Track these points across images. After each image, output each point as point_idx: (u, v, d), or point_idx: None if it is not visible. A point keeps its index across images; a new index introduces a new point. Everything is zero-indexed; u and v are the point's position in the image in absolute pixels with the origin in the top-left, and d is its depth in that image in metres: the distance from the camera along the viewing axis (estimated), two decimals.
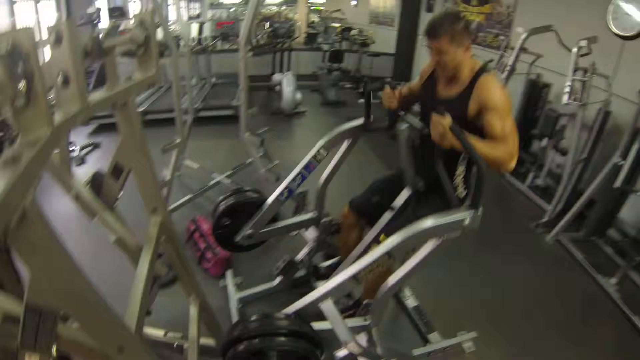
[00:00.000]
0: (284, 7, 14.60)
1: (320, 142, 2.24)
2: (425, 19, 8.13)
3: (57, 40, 0.90)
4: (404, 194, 2.06)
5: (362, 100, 7.27)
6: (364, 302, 2.00)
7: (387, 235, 1.91)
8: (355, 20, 11.37)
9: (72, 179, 1.52)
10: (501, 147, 1.64)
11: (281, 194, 2.27)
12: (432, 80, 2.01)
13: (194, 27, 6.47)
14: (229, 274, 2.79)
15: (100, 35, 1.15)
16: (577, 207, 3.65)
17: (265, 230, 2.37)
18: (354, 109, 7.25)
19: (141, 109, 5.58)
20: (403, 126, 1.90)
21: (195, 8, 13.60)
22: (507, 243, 3.70)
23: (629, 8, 3.19)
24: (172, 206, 3.33)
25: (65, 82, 0.93)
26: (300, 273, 2.74)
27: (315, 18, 14.13)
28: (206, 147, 5.12)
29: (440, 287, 2.99)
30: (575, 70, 3.56)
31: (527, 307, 2.95)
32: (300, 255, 2.66)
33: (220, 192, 3.83)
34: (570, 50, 3.58)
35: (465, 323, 2.61)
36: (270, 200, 2.29)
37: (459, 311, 2.78)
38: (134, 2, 9.90)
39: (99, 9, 6.44)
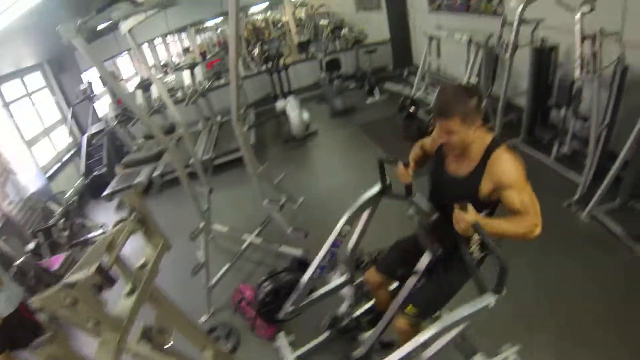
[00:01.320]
0: (269, 12, 14.48)
1: (343, 219, 2.29)
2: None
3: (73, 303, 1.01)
4: (425, 259, 2.08)
5: (370, 101, 7.41)
6: None
7: (415, 304, 2.04)
8: (341, 10, 11.18)
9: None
10: (524, 221, 1.63)
11: (314, 272, 2.40)
12: (441, 151, 1.96)
13: (186, 75, 6.54)
14: (281, 335, 2.88)
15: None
16: (612, 173, 3.45)
17: (305, 303, 2.55)
18: (364, 112, 7.22)
19: (157, 172, 5.72)
20: (411, 212, 1.94)
21: (183, 39, 13.68)
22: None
23: None
24: (213, 281, 3.46)
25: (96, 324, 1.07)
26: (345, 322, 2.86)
27: (302, 15, 13.97)
28: (228, 201, 5.13)
29: (472, 291, 2.95)
30: (583, 39, 3.39)
31: (570, 302, 2.86)
32: (342, 308, 2.78)
33: (254, 251, 4.01)
34: (569, 9, 3.41)
35: (507, 332, 2.64)
36: (304, 279, 2.43)
37: (498, 318, 2.58)
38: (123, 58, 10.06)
39: (90, 83, 6.70)
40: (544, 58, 4.61)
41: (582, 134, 4.54)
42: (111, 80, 2.69)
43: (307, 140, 6.51)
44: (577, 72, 3.53)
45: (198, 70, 6.54)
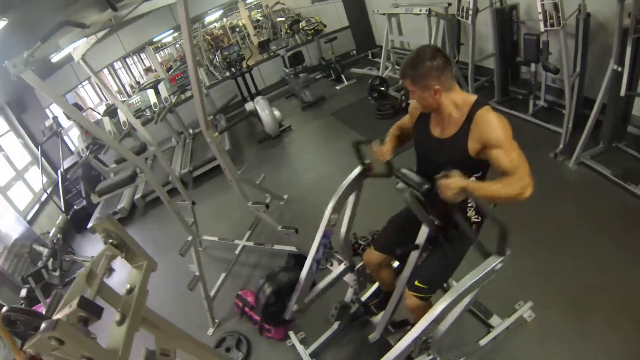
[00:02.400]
0: (225, 20, 14.30)
1: (329, 208, 2.21)
2: None
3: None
4: (423, 231, 2.02)
5: (340, 87, 7.36)
6: (424, 339, 1.99)
7: (421, 280, 1.97)
8: (296, 5, 11.11)
9: None
10: (514, 181, 1.55)
11: (310, 267, 2.32)
12: (423, 118, 1.92)
13: (150, 93, 6.39)
14: (291, 333, 2.86)
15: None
16: (592, 119, 3.49)
17: (308, 299, 2.47)
18: (334, 100, 7.15)
19: (139, 194, 5.61)
20: (401, 187, 1.85)
21: (144, 58, 13.49)
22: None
23: None
24: (212, 292, 3.37)
25: None
26: (353, 309, 2.82)
27: (259, 16, 13.85)
28: (213, 209, 5.05)
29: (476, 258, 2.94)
30: None
31: (574, 247, 2.89)
32: (348, 296, 2.73)
33: (248, 255, 3.91)
34: None
35: (518, 290, 2.66)
36: (303, 275, 2.35)
37: (507, 280, 2.64)
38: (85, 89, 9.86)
39: (55, 117, 6.48)
40: (506, 18, 4.63)
41: (555, 85, 4.63)
42: (72, 111, 2.57)
43: (283, 137, 6.41)
44: (541, 26, 3.52)
45: (162, 86, 6.39)
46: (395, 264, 2.66)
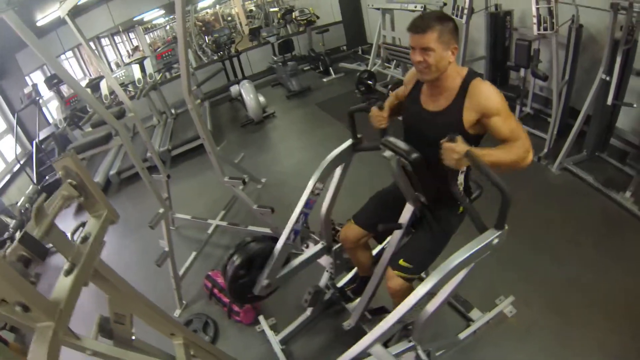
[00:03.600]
0: (217, 7, 14.06)
1: (314, 177, 2.08)
2: None
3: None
4: (408, 209, 1.93)
5: (327, 79, 7.27)
6: (405, 325, 1.92)
7: (406, 259, 1.86)
8: None
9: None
10: (514, 148, 1.52)
11: (288, 238, 2.14)
12: (416, 90, 1.83)
13: (135, 69, 6.18)
14: (261, 318, 2.74)
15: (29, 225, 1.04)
16: (576, 128, 3.58)
17: (281, 275, 2.24)
18: (321, 91, 7.06)
19: (114, 171, 5.39)
20: (388, 154, 1.72)
21: (132, 38, 13.19)
22: (514, 185, 3.53)
23: None
24: (181, 271, 3.21)
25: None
26: (328, 296, 2.68)
27: (252, 7, 13.66)
28: (189, 189, 4.90)
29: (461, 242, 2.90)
30: None
31: (555, 247, 2.90)
32: (323, 281, 2.60)
33: (221, 236, 3.76)
34: None
35: (499, 286, 2.63)
36: (279, 246, 2.13)
37: (489, 275, 2.68)
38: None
39: (35, 85, 6.20)
40: (500, 22, 4.62)
41: (542, 94, 4.67)
42: (54, 62, 2.38)
43: (266, 123, 6.29)
44: (534, 29, 3.53)
45: (148, 63, 6.17)
46: (375, 251, 2.55)
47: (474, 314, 2.48)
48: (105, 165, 5.60)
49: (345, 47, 8.86)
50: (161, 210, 2.88)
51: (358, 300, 2.36)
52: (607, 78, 3.25)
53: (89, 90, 5.75)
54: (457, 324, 2.47)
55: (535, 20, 3.48)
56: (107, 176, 5.38)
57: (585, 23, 3.69)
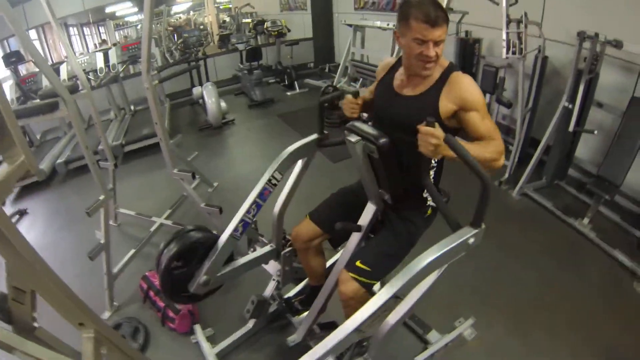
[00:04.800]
0: (192, 13, 13.91)
1: (273, 165, 1.89)
2: None
3: None
4: (369, 210, 1.76)
5: (290, 93, 7.18)
6: (360, 340, 1.67)
7: (364, 262, 1.65)
8: (266, 11, 11.07)
9: None
10: (491, 146, 1.40)
11: (235, 229, 1.86)
12: (389, 76, 1.72)
13: (99, 57, 5.86)
14: (197, 328, 2.43)
15: None
16: (536, 158, 3.64)
17: (222, 273, 1.93)
18: (283, 104, 6.95)
19: (61, 159, 4.95)
20: (353, 138, 1.55)
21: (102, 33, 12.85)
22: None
23: None
24: (117, 268, 2.87)
25: None
26: (273, 308, 2.45)
27: (225, 17, 13.58)
28: (138, 186, 4.61)
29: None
30: (509, 22, 3.47)
31: (516, 270, 2.88)
32: (268, 290, 2.34)
33: (164, 236, 3.45)
34: (496, 4, 3.50)
35: (459, 308, 2.50)
36: (223, 238, 1.83)
37: (448, 296, 2.57)
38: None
39: None
40: (468, 49, 4.72)
41: (505, 122, 4.76)
42: (22, 33, 2.11)
43: (224, 129, 6.07)
44: (503, 53, 3.57)
45: (112, 53, 5.85)
46: (329, 262, 2.35)
47: (432, 336, 2.30)
48: (54, 153, 5.17)
49: (312, 64, 8.87)
50: (102, 197, 2.59)
51: (306, 313, 2.12)
52: (570, 106, 3.33)
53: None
54: (413, 347, 2.29)
55: (504, 44, 3.53)
56: (54, 164, 4.96)
57: (550, 56, 3.82)
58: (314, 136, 1.97)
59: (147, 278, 2.75)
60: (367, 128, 1.51)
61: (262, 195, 1.88)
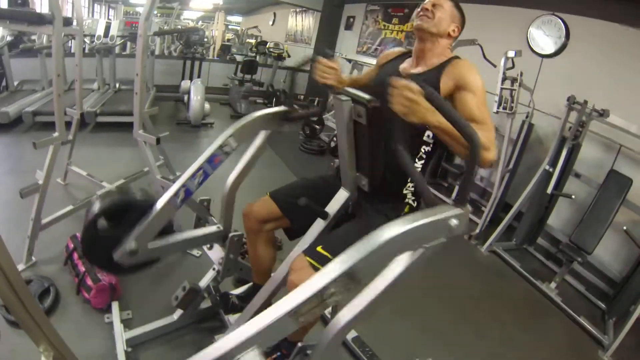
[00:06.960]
0: (200, 23, 14.15)
1: (229, 130, 1.62)
2: (343, 37, 8.27)
3: None
4: (341, 197, 1.55)
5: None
6: (299, 345, 1.46)
7: (327, 248, 1.38)
8: (271, 39, 11.33)
9: None
10: (482, 131, 1.14)
11: (176, 194, 1.51)
12: (396, 61, 1.70)
13: (101, 24, 5.73)
14: (115, 306, 2.08)
15: None
16: (508, 219, 3.64)
17: (154, 245, 1.56)
18: None
19: (31, 108, 4.65)
20: (343, 98, 1.35)
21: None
22: (445, 258, 3.28)
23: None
24: (47, 219, 2.53)
25: None
26: (207, 304, 2.13)
27: (230, 36, 13.84)
28: (102, 154, 4.40)
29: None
30: (504, 79, 3.57)
31: (480, 322, 2.75)
32: (205, 280, 2.03)
33: None
34: (493, 65, 3.60)
35: (418, 348, 2.32)
36: (160, 203, 1.47)
37: (405, 334, 2.42)
38: None
39: None
40: None
41: (482, 184, 4.80)
42: None
43: (202, 129, 5.94)
44: (494, 107, 3.63)
45: (114, 25, 5.75)
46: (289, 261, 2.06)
47: None
48: (25, 102, 4.83)
49: (302, 96, 8.94)
50: (55, 134, 2.32)
51: (245, 310, 1.77)
52: (551, 169, 3.38)
53: None
54: None
55: (496, 99, 3.59)
56: (21, 112, 4.64)
57: (536, 124, 3.94)
58: (282, 107, 1.79)
59: (76, 239, 2.44)
60: (361, 93, 1.34)
61: (211, 161, 1.58)
